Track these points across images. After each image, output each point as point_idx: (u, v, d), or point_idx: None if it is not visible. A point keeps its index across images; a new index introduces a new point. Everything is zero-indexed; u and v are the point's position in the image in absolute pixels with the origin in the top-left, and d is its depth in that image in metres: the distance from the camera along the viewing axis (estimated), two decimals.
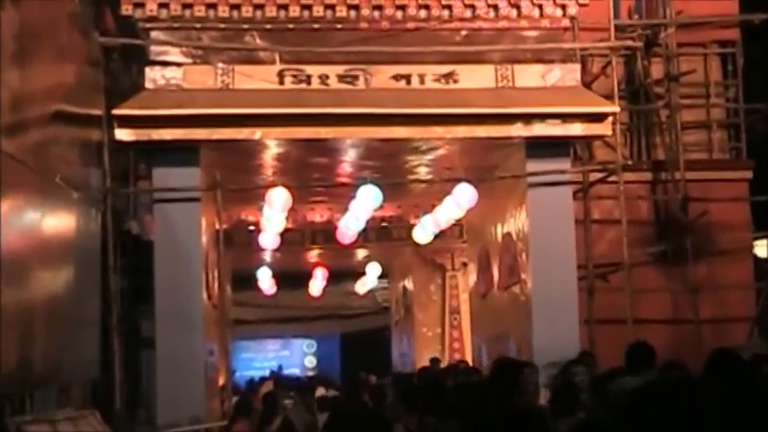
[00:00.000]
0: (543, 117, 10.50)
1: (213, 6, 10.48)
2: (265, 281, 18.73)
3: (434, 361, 15.43)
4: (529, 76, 10.65)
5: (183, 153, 10.30)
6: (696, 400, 3.26)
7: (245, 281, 18.80)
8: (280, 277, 19.09)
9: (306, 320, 26.20)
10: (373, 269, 19.33)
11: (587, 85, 11.72)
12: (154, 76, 10.24)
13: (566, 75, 10.74)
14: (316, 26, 10.63)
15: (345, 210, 12.73)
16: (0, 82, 7.21)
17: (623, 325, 10.78)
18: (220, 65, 10.36)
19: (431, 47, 10.61)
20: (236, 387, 17.15)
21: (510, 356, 9.73)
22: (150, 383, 10.82)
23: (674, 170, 12.90)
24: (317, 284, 19.92)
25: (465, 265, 16.11)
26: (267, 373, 22.86)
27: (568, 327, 10.42)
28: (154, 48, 10.49)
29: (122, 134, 10.00)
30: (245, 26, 10.60)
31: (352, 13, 10.65)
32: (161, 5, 10.38)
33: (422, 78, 10.50)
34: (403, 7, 10.70)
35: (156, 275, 10.26)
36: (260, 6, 10.54)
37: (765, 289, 12.79)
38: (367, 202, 11.37)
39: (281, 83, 10.34)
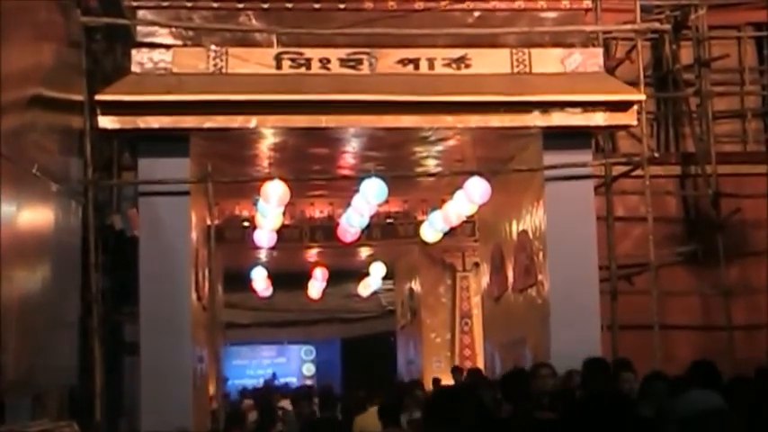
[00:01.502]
0: (562, 105, 10.47)
1: None
2: (260, 281, 18.73)
3: (456, 370, 15.43)
4: (547, 60, 10.63)
5: (171, 142, 10.29)
6: None
7: (239, 281, 18.80)
8: (276, 277, 19.09)
9: (304, 324, 26.22)
10: (377, 269, 19.33)
11: (611, 70, 11.69)
12: (140, 59, 10.22)
13: (587, 60, 10.72)
14: (316, 6, 10.59)
15: (347, 205, 12.73)
16: None
17: (649, 331, 10.72)
18: (213, 47, 10.33)
19: (441, 29, 10.56)
20: (228, 396, 17.16)
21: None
22: (133, 392, 10.82)
23: (704, 163, 12.88)
24: (316, 285, 19.93)
25: (477, 265, 16.10)
26: (261, 382, 22.88)
27: (589, 333, 10.39)
28: (141, 28, 10.45)
29: (106, 121, 10.00)
30: (240, 5, 10.56)
31: None
32: None
33: (431, 63, 10.49)
34: None
35: (140, 274, 10.24)
36: None
37: None
38: (371, 197, 11.34)
39: (279, 67, 10.33)
